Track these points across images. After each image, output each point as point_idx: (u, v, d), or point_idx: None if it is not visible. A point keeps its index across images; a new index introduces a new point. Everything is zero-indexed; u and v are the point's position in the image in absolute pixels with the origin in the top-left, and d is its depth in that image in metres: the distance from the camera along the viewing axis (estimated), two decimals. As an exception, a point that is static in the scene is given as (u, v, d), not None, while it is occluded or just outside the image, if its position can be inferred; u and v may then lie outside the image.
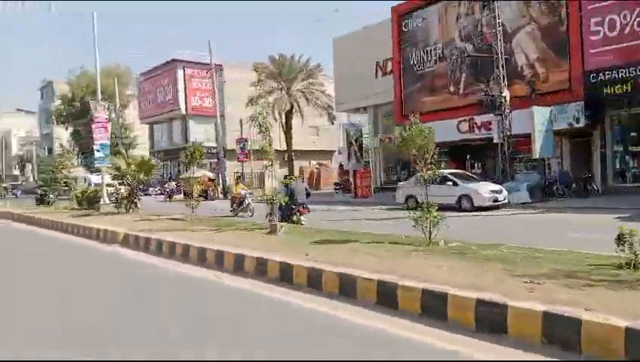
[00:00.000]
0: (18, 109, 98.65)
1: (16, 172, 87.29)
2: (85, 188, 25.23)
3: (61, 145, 51.10)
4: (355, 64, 33.19)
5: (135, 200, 19.67)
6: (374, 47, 31.65)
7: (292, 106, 37.35)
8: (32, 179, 77.91)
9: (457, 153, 26.93)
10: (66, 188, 26.67)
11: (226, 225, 12.88)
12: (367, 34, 32.45)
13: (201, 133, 49.22)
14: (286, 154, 37.59)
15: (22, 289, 7.50)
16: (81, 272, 8.95)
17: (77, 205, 23.95)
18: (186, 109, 48.78)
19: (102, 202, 21.54)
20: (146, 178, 20.81)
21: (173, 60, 49.15)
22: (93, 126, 21.96)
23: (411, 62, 29.45)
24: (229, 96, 49.52)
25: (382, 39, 30.43)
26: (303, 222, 13.40)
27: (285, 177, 16.10)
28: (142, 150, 57.41)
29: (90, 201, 22.64)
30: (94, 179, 31.43)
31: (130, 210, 19.24)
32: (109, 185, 24.56)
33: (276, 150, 11.82)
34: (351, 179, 28.99)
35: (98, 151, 22.07)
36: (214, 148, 49.30)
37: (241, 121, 44.55)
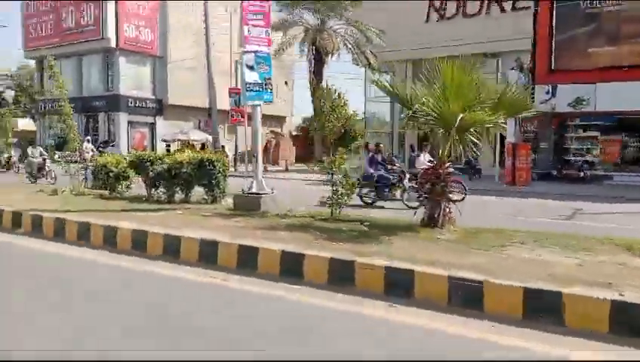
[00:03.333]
0: None
1: None
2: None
3: None
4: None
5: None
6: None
7: (329, 49, 24.86)
8: None
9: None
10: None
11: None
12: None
13: (131, 78, 33.63)
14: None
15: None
16: None
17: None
18: (117, 41, 32.61)
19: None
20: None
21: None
22: (244, 13, 8.10)
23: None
24: (175, 30, 34.85)
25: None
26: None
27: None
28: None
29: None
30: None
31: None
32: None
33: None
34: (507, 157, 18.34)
35: (251, 68, 8.05)
36: (150, 99, 34.41)
37: (236, 63, 30.51)
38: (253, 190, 8.71)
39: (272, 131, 40.57)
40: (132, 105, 33.17)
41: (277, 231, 6.67)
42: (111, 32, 32.31)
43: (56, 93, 11.73)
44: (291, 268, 5.33)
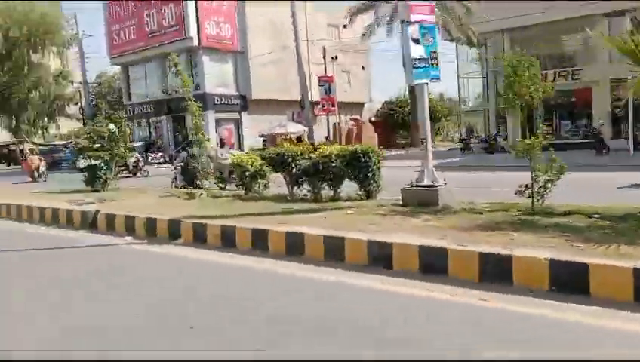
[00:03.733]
0: None
1: None
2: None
3: None
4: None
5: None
6: None
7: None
8: None
9: None
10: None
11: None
12: None
13: (215, 77, 33.60)
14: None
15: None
16: None
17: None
18: (199, 39, 32.65)
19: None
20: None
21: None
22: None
23: None
24: (253, 25, 34.53)
25: None
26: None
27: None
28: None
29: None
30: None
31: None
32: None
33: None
34: None
35: (417, 41, 7.48)
36: (234, 96, 34.36)
37: (324, 49, 29.84)
38: (425, 182, 7.60)
39: (352, 118, 39.52)
40: (218, 102, 33.22)
41: (497, 231, 5.49)
42: (193, 31, 32.37)
43: (181, 91, 11.25)
44: (567, 281, 4.15)
